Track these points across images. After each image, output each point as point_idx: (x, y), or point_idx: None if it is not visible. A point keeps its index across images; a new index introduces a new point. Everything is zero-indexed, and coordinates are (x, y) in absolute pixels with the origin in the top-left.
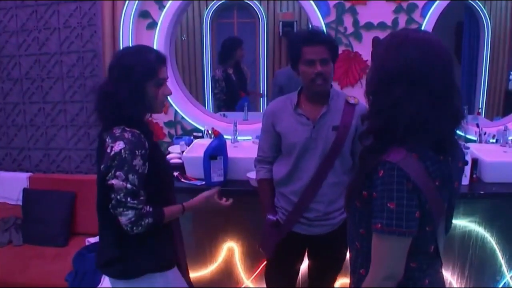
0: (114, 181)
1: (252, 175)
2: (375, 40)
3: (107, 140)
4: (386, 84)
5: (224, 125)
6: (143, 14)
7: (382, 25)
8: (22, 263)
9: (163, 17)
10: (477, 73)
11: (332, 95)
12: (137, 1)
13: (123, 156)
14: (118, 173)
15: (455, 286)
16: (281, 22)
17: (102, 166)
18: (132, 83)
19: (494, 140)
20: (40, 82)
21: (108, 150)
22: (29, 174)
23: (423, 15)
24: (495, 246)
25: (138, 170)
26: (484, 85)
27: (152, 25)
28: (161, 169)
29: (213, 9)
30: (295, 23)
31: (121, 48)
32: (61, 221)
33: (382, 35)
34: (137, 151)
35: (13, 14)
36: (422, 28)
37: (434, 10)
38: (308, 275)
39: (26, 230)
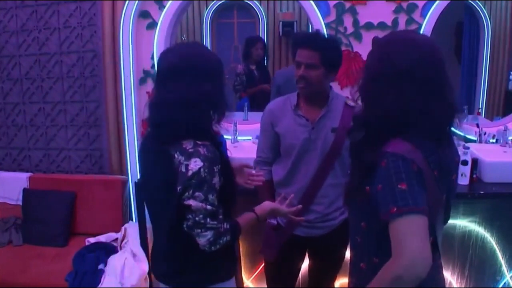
0: (192, 202)
1: None
2: (375, 40)
3: (176, 156)
4: (382, 81)
5: (223, 125)
6: (143, 14)
7: (382, 25)
8: (22, 263)
9: (163, 17)
10: (477, 73)
11: (331, 97)
12: (137, 1)
13: (202, 175)
14: (197, 193)
15: (455, 286)
16: (281, 22)
17: (178, 188)
18: (217, 87)
19: (494, 140)
20: (40, 82)
21: (183, 170)
22: (29, 174)
23: (423, 15)
24: (495, 246)
25: (217, 188)
26: (484, 85)
27: (152, 25)
28: (232, 181)
29: (213, 9)
30: (295, 23)
31: (176, 47)
32: (61, 221)
33: (382, 35)
34: (215, 168)
35: (13, 14)
36: (422, 28)
37: (434, 10)
38: (308, 274)
39: (26, 230)
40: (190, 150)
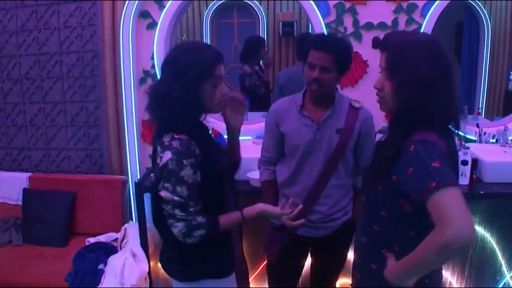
0: (162, 193)
1: (252, 175)
2: (375, 40)
3: (158, 149)
4: (417, 84)
5: (224, 125)
6: (143, 14)
7: (382, 25)
8: (22, 263)
9: (163, 17)
10: (477, 73)
11: (337, 98)
12: (137, 1)
13: (170, 167)
14: (166, 184)
15: (455, 286)
16: (281, 22)
17: (153, 176)
18: (187, 83)
19: (494, 140)
20: (40, 82)
21: (158, 161)
22: (29, 174)
23: (423, 15)
24: (495, 246)
25: (187, 181)
26: (484, 85)
27: (152, 25)
28: (215, 176)
29: (213, 9)
30: (295, 23)
31: (176, 45)
32: (61, 221)
33: (382, 35)
34: (185, 161)
35: (13, 14)
36: (422, 28)
37: (434, 10)
38: (310, 274)
39: (26, 230)
40: (166, 143)
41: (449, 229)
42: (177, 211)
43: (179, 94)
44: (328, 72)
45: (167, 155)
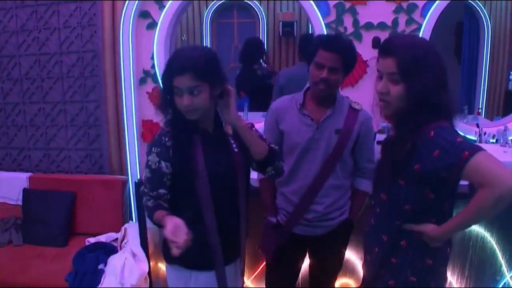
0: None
1: (252, 175)
2: (375, 40)
3: None
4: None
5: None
6: (143, 14)
7: (382, 25)
8: (22, 263)
9: (163, 17)
10: (477, 73)
11: (338, 99)
12: (137, 1)
13: (146, 151)
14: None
15: (455, 286)
16: (281, 22)
17: None
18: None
19: (494, 140)
20: (40, 82)
21: None
22: (29, 174)
23: (423, 15)
24: (495, 246)
25: (151, 166)
26: (484, 85)
27: (152, 25)
28: (186, 171)
29: (213, 9)
30: (295, 23)
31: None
32: (61, 221)
33: (382, 35)
34: (153, 148)
35: (13, 14)
36: (423, 28)
37: (434, 10)
38: (308, 274)
39: (26, 230)
40: (155, 139)
41: (501, 184)
42: (142, 187)
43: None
44: (336, 73)
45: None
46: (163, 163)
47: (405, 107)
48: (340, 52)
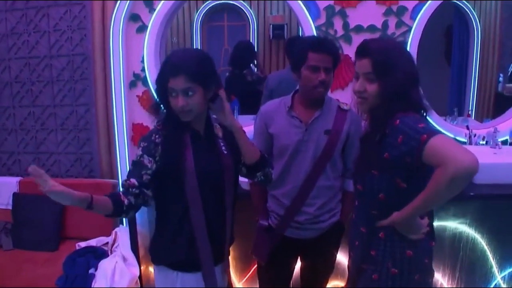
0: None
1: (242, 178)
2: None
3: None
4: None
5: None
6: (133, 18)
7: (372, 28)
8: (12, 268)
9: (153, 20)
10: (467, 75)
11: (326, 100)
12: (127, 4)
13: None
14: None
15: (446, 287)
16: (271, 25)
17: None
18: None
19: (484, 142)
20: (30, 86)
21: None
22: (19, 178)
23: (412, 18)
24: (486, 248)
25: (134, 159)
26: (474, 87)
27: (142, 29)
28: (174, 170)
29: (204, 12)
30: (285, 26)
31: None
32: (52, 225)
33: (372, 37)
34: (141, 143)
35: (3, 17)
36: (412, 30)
37: (424, 13)
38: (300, 277)
39: (16, 234)
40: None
41: (454, 163)
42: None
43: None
44: (330, 73)
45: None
46: (145, 157)
47: (379, 103)
48: (330, 53)
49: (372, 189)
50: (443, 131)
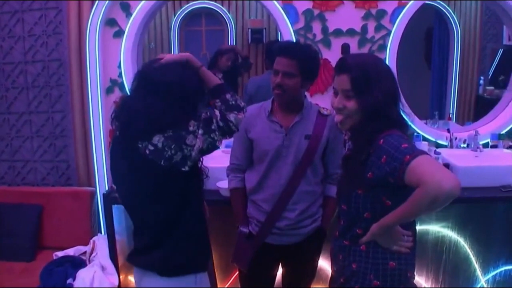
0: (198, 140)
1: (222, 184)
2: (344, 47)
3: (140, 146)
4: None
5: None
6: (110, 22)
7: (351, 32)
8: None
9: (130, 25)
10: (447, 78)
11: (305, 105)
12: (103, 8)
13: (171, 134)
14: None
15: None
16: (250, 30)
17: (162, 162)
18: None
19: (465, 145)
20: (4, 92)
21: (151, 148)
22: None
23: (392, 21)
24: (469, 251)
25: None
26: (454, 90)
27: (119, 33)
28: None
29: (181, 16)
30: (264, 30)
31: (171, 63)
32: (28, 235)
33: (351, 41)
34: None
35: None
36: (392, 34)
37: (404, 16)
38: (282, 283)
39: None
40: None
41: (434, 184)
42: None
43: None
44: (291, 78)
45: (157, 137)
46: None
47: (360, 120)
48: (295, 58)
49: (358, 208)
50: (424, 134)
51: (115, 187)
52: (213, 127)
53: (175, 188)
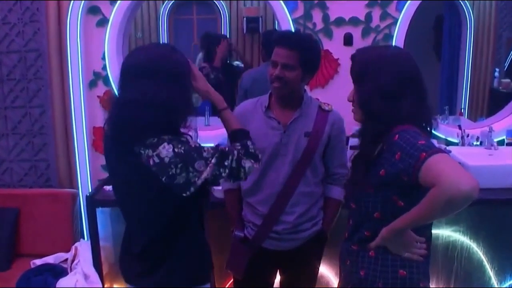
0: (207, 173)
1: (216, 186)
2: (347, 37)
3: (142, 152)
4: (391, 91)
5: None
6: (93, 10)
7: (354, 21)
8: None
9: (115, 13)
10: (458, 70)
11: (305, 100)
12: None
13: (181, 151)
14: (197, 164)
15: None
16: (245, 18)
17: (163, 178)
18: (183, 90)
19: (478, 143)
20: None
21: (155, 159)
22: None
23: (398, 9)
24: (483, 257)
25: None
26: (466, 83)
27: (103, 22)
28: None
29: (170, 4)
30: (260, 19)
31: (145, 45)
32: (3, 241)
33: (354, 31)
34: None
35: None
36: (398, 23)
37: (411, 3)
38: None
39: None
40: (154, 141)
41: (450, 185)
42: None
43: (172, 99)
44: (290, 70)
45: (166, 147)
46: None
47: (365, 116)
48: (296, 48)
49: (367, 207)
50: (433, 131)
51: (110, 187)
52: (226, 163)
53: (176, 201)
